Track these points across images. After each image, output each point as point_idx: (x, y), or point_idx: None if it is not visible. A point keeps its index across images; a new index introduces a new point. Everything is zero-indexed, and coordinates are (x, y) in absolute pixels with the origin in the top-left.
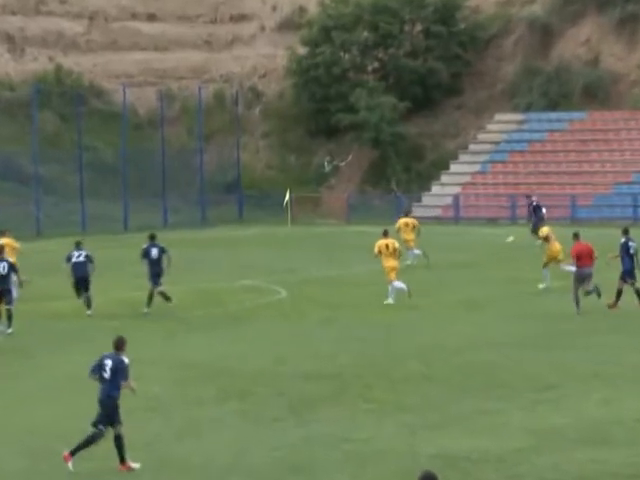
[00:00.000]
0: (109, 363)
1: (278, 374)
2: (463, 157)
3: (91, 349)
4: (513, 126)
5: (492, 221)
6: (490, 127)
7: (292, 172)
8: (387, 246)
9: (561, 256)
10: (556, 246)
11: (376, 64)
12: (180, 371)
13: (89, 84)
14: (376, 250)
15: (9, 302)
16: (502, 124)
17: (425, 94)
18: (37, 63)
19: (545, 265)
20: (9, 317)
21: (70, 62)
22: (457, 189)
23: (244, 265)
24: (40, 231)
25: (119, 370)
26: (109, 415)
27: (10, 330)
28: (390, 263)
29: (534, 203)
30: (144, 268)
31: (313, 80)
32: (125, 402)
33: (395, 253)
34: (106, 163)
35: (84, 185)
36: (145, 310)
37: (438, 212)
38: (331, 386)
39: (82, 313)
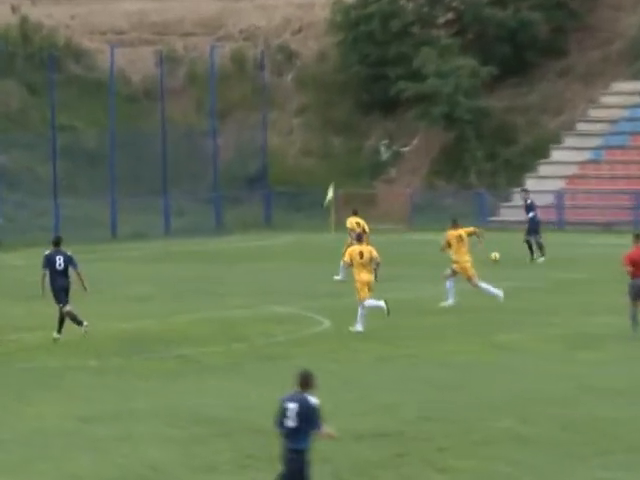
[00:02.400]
0: (294, 407)
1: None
2: (569, 141)
3: (65, 397)
4: (636, 99)
5: (607, 227)
6: (605, 100)
7: (337, 160)
8: (361, 254)
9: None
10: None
11: (450, 15)
12: (186, 428)
13: (65, 43)
14: (347, 259)
15: None
16: (621, 96)
17: (516, 56)
18: None
19: (449, 277)
20: None
21: (39, 13)
22: (560, 184)
23: (273, 286)
24: None
25: (308, 415)
26: (296, 477)
27: None
28: (364, 276)
29: (528, 201)
30: (45, 280)
31: (365, 37)
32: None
33: (371, 263)
34: (88, 149)
35: (58, 178)
36: (55, 335)
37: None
38: (390, 449)
39: (53, 350)
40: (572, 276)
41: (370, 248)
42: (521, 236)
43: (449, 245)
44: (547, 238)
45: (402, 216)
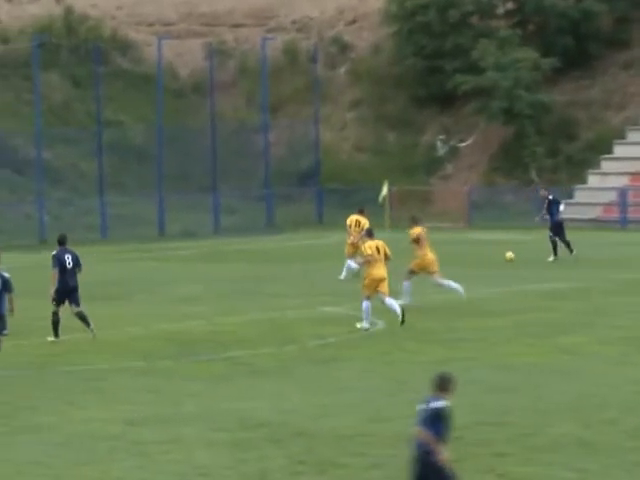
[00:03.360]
0: (421, 410)
1: (372, 437)
2: (632, 136)
3: (112, 400)
4: None
5: None
6: None
7: (391, 156)
8: (377, 249)
9: (435, 267)
10: (429, 255)
11: (510, 5)
12: (235, 432)
13: (111, 34)
14: (369, 251)
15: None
16: None
17: (578, 48)
18: (39, 6)
19: (409, 276)
20: None
21: (84, 3)
22: (624, 180)
23: (325, 286)
24: (44, 238)
25: (429, 418)
26: (425, 476)
27: None
28: (378, 272)
29: (550, 197)
30: (54, 280)
31: (421, 28)
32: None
33: (387, 259)
34: (134, 144)
35: (104, 175)
36: (50, 339)
37: (597, 213)
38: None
39: (101, 351)
40: (636, 276)
41: (383, 243)
42: (584, 234)
43: (416, 242)
44: (610, 237)
45: (460, 214)
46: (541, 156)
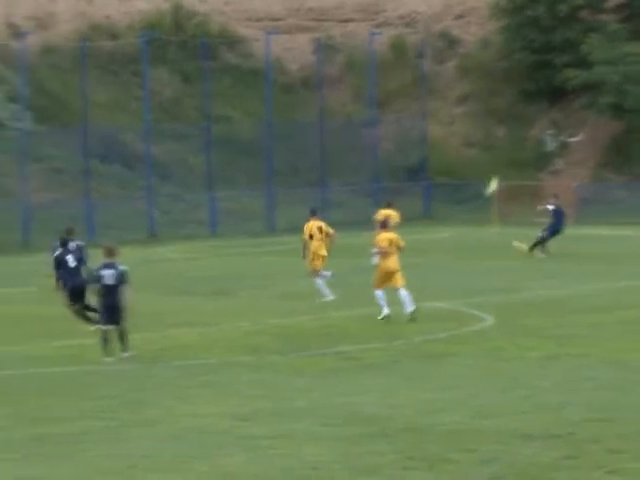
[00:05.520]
0: None
1: (482, 433)
2: None
3: (221, 394)
4: None
5: None
6: None
7: (501, 151)
8: (390, 242)
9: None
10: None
11: None
12: (345, 427)
13: (219, 30)
14: (385, 244)
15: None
16: None
17: None
18: (148, 2)
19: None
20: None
21: (193, 0)
22: None
23: (433, 281)
24: (154, 232)
25: None
26: None
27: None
28: (392, 264)
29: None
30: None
31: (530, 22)
32: (274, 470)
33: (400, 250)
34: (243, 140)
35: (213, 170)
36: (92, 328)
37: None
38: (557, 450)
39: (209, 346)
40: None
41: (397, 236)
42: None
43: (310, 237)
44: None
45: (569, 209)
46: None
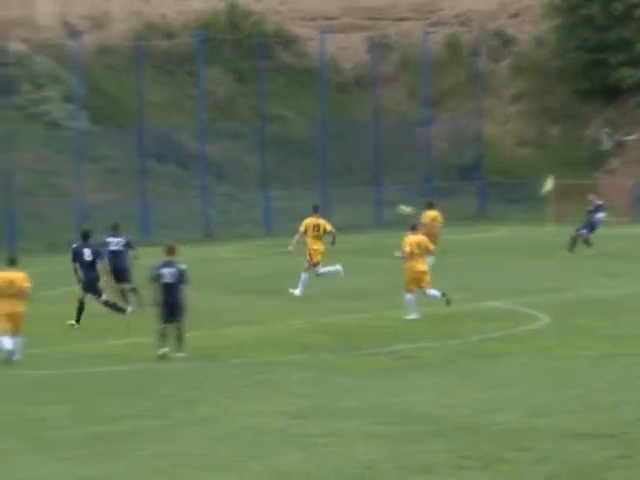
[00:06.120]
0: None
1: (536, 432)
2: None
3: (275, 393)
4: None
5: None
6: None
7: (555, 150)
8: (418, 244)
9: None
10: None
11: None
12: (398, 426)
13: (274, 30)
14: (408, 249)
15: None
16: None
17: None
18: (203, 1)
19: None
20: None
21: None
22: None
23: (488, 281)
24: (209, 232)
25: None
26: None
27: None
28: (421, 266)
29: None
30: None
31: (585, 21)
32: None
33: (429, 253)
34: (298, 139)
35: (267, 169)
36: (71, 322)
37: None
38: (611, 450)
39: (264, 345)
40: None
41: (425, 239)
42: None
43: (305, 232)
44: None
45: (625, 209)
46: None
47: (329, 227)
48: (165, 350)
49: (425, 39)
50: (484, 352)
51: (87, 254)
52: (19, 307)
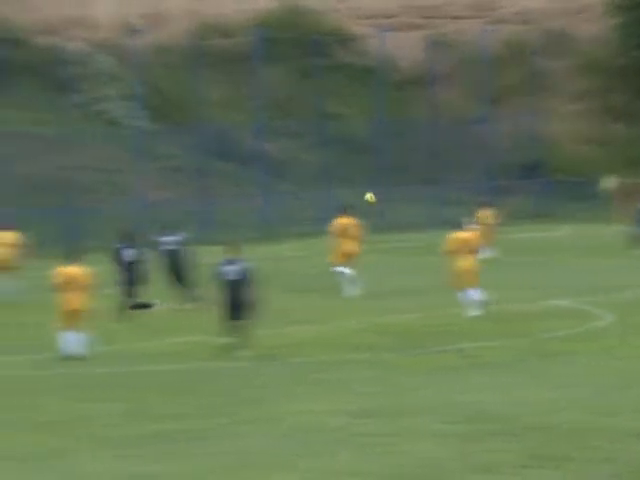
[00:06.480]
0: None
1: (604, 432)
2: None
3: (335, 392)
4: None
5: None
6: None
7: (618, 148)
8: (465, 242)
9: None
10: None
11: None
12: (463, 425)
13: (333, 28)
14: (453, 245)
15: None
16: None
17: None
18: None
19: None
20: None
21: None
22: None
23: (552, 279)
24: (270, 230)
25: None
26: None
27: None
28: (468, 263)
29: None
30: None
31: None
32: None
33: (474, 251)
34: (356, 137)
35: (327, 168)
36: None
37: None
38: None
39: (324, 343)
40: None
41: (475, 235)
42: None
43: (336, 232)
44: None
45: None
46: None
47: (358, 226)
48: (229, 347)
49: (484, 37)
50: (549, 351)
51: (126, 255)
52: (82, 303)
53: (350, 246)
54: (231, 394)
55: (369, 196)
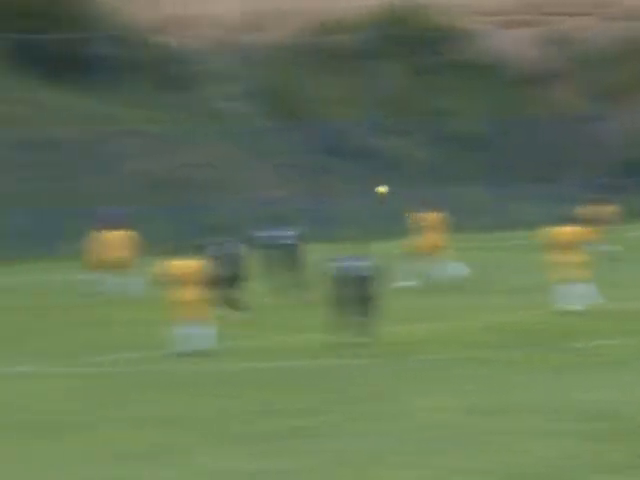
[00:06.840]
0: None
1: None
2: None
3: (453, 389)
4: None
5: None
6: None
7: None
8: (570, 236)
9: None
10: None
11: None
12: (580, 424)
13: (449, 25)
14: (561, 238)
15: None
16: None
17: None
18: None
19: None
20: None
21: None
22: None
23: None
24: (384, 228)
25: None
26: None
27: None
28: (570, 259)
29: None
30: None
31: None
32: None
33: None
34: (472, 134)
35: (441, 165)
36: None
37: None
38: None
39: (442, 341)
40: None
41: (582, 230)
42: None
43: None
44: None
45: None
46: None
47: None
48: (349, 344)
49: (600, 34)
50: None
51: (231, 249)
52: (201, 298)
53: (433, 240)
54: (356, 390)
55: (382, 189)
